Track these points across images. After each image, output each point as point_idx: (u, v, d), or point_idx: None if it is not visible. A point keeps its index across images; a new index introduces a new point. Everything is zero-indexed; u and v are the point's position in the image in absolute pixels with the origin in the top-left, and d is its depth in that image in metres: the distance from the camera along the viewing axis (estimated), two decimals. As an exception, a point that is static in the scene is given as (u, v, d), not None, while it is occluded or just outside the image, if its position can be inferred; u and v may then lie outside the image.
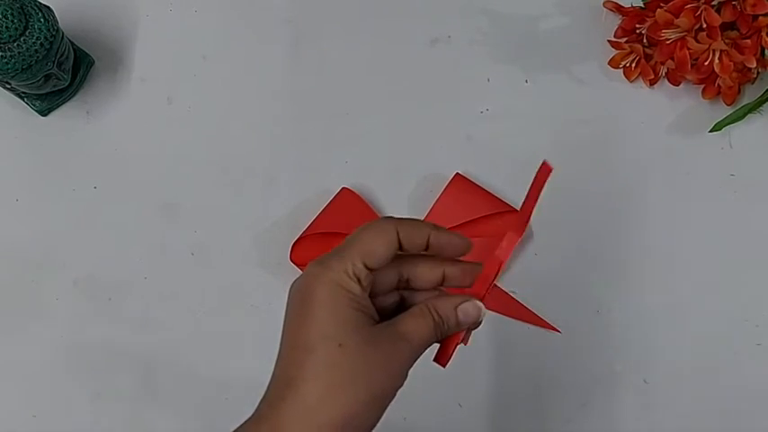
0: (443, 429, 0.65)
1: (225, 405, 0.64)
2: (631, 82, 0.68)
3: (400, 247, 0.42)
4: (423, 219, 0.66)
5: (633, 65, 0.67)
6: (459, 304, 0.43)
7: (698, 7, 0.60)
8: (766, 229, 0.67)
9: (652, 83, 0.68)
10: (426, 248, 0.43)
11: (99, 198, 0.67)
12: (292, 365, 0.40)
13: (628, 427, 0.64)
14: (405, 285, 0.45)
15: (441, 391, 0.63)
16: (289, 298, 0.42)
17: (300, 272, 0.64)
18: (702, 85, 0.66)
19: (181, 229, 0.67)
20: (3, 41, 0.58)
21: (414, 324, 0.42)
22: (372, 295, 0.43)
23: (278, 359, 0.41)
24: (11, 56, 0.58)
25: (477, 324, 0.44)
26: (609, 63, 0.68)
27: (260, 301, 0.66)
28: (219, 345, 0.65)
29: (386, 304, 0.44)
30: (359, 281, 0.41)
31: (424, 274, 0.44)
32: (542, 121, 0.68)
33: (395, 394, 0.41)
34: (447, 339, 0.44)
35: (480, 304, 0.43)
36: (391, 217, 0.43)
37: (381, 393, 0.40)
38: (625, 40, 0.68)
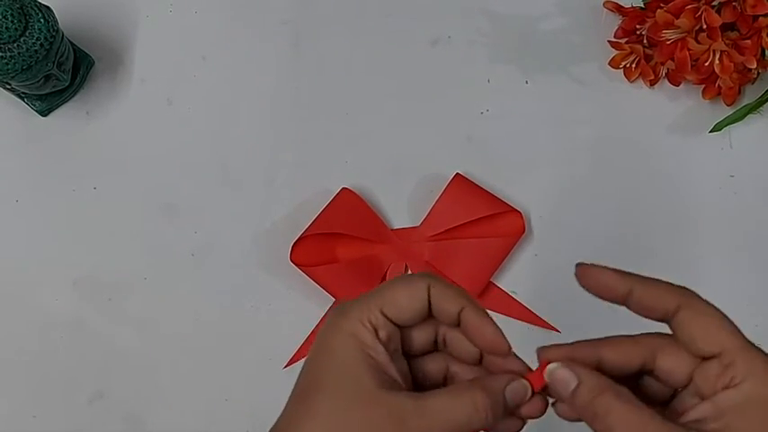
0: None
1: (225, 405, 0.64)
2: (631, 82, 0.68)
3: (430, 308, 0.38)
4: (421, 222, 0.66)
5: (633, 65, 0.67)
6: (509, 383, 0.38)
7: (698, 8, 0.60)
8: (766, 228, 0.67)
9: (652, 83, 0.68)
10: (458, 324, 0.38)
11: (99, 198, 0.67)
12: (287, 414, 0.37)
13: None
14: (444, 349, 0.40)
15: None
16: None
17: (301, 272, 0.64)
18: (702, 86, 0.66)
19: (181, 229, 0.67)
20: (3, 42, 0.58)
21: (448, 401, 0.36)
22: (410, 356, 0.39)
23: (285, 405, 0.38)
24: (11, 56, 0.58)
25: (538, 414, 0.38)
26: (609, 63, 0.68)
27: (260, 302, 0.66)
28: (219, 345, 0.65)
29: (428, 371, 0.40)
30: (375, 331, 0.37)
31: (462, 339, 0.38)
32: (542, 121, 0.68)
33: None
34: None
35: (527, 384, 0.38)
36: (430, 274, 0.39)
37: None
38: (625, 40, 0.68)
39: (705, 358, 0.36)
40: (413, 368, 0.40)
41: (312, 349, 0.38)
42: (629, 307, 0.38)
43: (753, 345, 0.36)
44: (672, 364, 0.37)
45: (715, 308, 0.37)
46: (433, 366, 0.40)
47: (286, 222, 0.66)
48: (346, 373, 0.36)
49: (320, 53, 0.70)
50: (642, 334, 0.39)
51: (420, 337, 0.39)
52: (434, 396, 0.37)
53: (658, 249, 0.66)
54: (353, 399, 0.35)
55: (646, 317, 0.38)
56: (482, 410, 0.37)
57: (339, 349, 0.37)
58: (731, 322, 0.36)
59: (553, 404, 0.40)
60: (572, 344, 0.39)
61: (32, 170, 0.68)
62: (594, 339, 0.39)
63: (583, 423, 0.38)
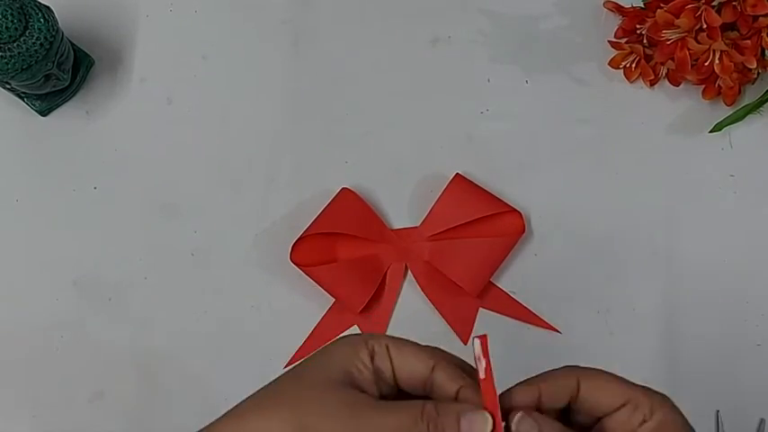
0: (443, 429, 0.65)
1: (225, 405, 0.64)
2: (631, 82, 0.68)
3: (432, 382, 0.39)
4: (421, 222, 0.66)
5: (633, 65, 0.67)
6: (466, 412, 0.38)
7: (698, 8, 0.60)
8: (766, 228, 0.67)
9: (652, 83, 0.68)
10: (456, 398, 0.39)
11: (99, 198, 0.67)
12: (257, 394, 0.41)
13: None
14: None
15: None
16: None
17: (301, 272, 0.64)
18: (702, 86, 0.66)
19: (181, 229, 0.67)
20: (3, 41, 0.58)
21: (395, 412, 0.37)
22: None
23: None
24: (11, 56, 0.58)
25: None
26: (609, 63, 0.68)
27: (260, 302, 0.66)
28: (220, 345, 0.65)
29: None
30: (371, 358, 0.38)
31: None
32: (542, 121, 0.68)
33: None
34: None
35: (488, 416, 0.38)
36: (438, 351, 0.40)
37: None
38: (625, 40, 0.68)
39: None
40: None
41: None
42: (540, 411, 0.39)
43: (643, 386, 0.40)
44: (599, 394, 0.40)
45: (601, 370, 0.41)
46: None
47: (286, 222, 0.66)
48: (325, 370, 0.38)
49: (320, 53, 0.70)
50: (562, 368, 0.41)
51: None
52: (386, 406, 0.38)
53: (658, 249, 0.66)
54: (316, 386, 0.38)
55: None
56: (423, 421, 0.37)
57: (331, 353, 0.39)
58: (617, 375, 0.41)
59: None
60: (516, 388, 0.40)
61: (32, 170, 0.68)
62: (528, 379, 0.41)
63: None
